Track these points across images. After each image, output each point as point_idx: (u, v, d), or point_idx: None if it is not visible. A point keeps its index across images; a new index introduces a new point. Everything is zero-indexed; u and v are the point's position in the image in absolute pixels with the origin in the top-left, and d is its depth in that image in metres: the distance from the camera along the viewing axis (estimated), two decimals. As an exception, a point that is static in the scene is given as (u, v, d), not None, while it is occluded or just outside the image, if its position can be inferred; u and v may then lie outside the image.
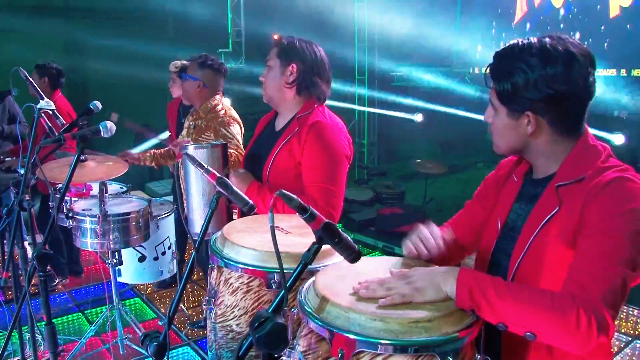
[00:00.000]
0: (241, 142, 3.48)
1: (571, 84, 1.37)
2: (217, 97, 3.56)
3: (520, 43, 1.43)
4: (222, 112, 3.48)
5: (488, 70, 1.48)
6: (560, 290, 1.29)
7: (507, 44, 1.46)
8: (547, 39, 1.40)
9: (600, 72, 6.36)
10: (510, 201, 1.60)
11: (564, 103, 1.39)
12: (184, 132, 3.64)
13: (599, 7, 6.44)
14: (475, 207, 1.77)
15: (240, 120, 3.55)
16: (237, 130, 3.43)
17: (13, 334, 2.41)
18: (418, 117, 9.29)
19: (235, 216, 2.45)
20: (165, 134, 3.86)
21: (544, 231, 1.42)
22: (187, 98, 3.60)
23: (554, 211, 1.41)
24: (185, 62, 4.47)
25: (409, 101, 9.18)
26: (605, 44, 6.42)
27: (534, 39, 1.42)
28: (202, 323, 4.03)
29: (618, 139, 6.02)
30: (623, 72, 6.22)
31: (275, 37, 2.37)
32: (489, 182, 1.75)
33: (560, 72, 1.36)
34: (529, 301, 1.26)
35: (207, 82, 3.50)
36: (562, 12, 6.93)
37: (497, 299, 1.26)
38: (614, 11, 6.32)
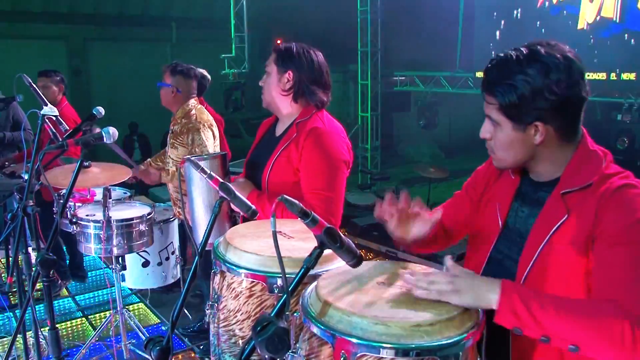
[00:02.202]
0: (214, 145, 3.62)
1: (573, 88, 1.37)
2: (192, 101, 3.70)
3: (512, 54, 1.42)
4: (194, 117, 3.60)
5: (485, 86, 1.46)
6: (599, 301, 1.30)
7: (497, 57, 1.45)
8: (538, 47, 1.40)
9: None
10: (508, 199, 1.58)
11: (569, 107, 1.40)
12: (168, 137, 3.76)
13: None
14: (463, 198, 1.78)
15: (213, 123, 3.69)
16: (207, 136, 3.56)
17: (17, 338, 2.42)
18: (421, 122, 9.31)
19: (239, 222, 2.46)
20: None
21: (553, 239, 1.42)
22: (166, 104, 3.73)
23: (563, 219, 1.40)
24: None
25: (412, 105, 9.19)
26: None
27: (523, 49, 1.41)
28: (196, 328, 4.04)
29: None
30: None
31: (278, 42, 2.38)
32: (480, 174, 1.74)
33: (563, 77, 1.36)
34: (573, 314, 1.25)
35: (179, 87, 3.65)
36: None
37: (541, 312, 1.25)
38: (581, 24, 6.53)
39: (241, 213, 1.98)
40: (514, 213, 1.57)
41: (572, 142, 1.46)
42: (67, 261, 4.90)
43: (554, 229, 1.41)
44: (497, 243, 1.58)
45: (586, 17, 6.69)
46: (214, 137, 3.65)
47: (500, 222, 1.58)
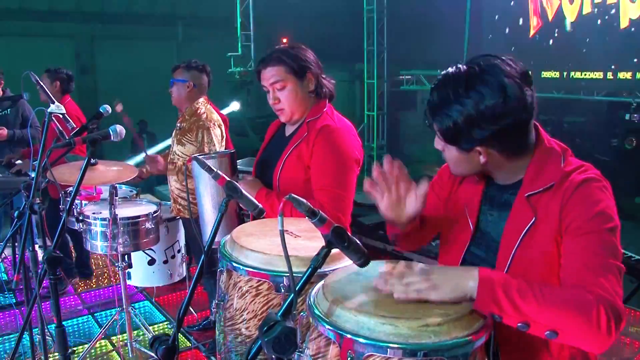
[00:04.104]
0: (222, 143, 3.64)
1: (511, 113, 1.36)
2: (201, 100, 3.71)
3: (451, 76, 1.41)
4: (204, 115, 3.62)
5: (428, 109, 1.47)
6: (575, 287, 1.30)
7: (440, 78, 1.44)
8: (476, 68, 1.38)
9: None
10: (476, 202, 1.60)
11: (510, 131, 1.40)
12: (173, 133, 3.77)
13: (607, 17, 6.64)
14: (430, 196, 1.75)
15: (221, 122, 3.71)
16: (216, 134, 3.58)
17: (24, 336, 2.43)
18: (427, 121, 9.28)
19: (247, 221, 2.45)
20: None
21: (525, 242, 1.44)
22: (178, 102, 3.74)
23: (531, 222, 1.43)
24: None
25: (418, 104, 9.16)
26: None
27: (462, 68, 1.40)
28: (202, 326, 4.04)
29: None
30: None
31: (282, 43, 2.35)
32: (445, 174, 1.74)
33: (498, 104, 1.35)
34: (551, 299, 1.25)
35: (195, 82, 3.68)
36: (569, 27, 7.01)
37: (520, 298, 1.24)
38: (623, 23, 6.45)
39: (250, 212, 1.97)
40: (484, 217, 1.59)
41: (523, 154, 1.47)
42: (74, 259, 4.92)
43: (523, 233, 1.44)
44: (470, 247, 1.60)
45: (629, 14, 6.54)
46: (222, 136, 3.66)
47: (471, 226, 1.59)
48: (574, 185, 1.38)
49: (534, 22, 7.84)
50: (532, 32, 7.95)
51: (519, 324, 1.26)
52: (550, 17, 7.53)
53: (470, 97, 1.36)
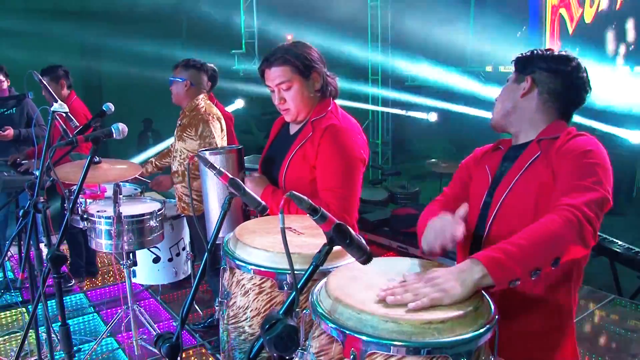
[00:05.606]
0: (222, 138, 3.66)
1: (568, 71, 1.76)
2: (200, 96, 3.74)
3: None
4: (203, 109, 3.65)
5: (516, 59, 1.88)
6: (544, 217, 1.46)
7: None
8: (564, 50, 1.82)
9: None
10: (497, 161, 1.85)
11: (556, 82, 1.76)
12: (175, 131, 3.79)
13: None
14: (462, 174, 1.98)
15: (221, 117, 3.74)
16: (216, 127, 3.60)
17: (29, 334, 2.44)
18: (432, 117, 9.25)
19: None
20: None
21: (525, 174, 1.69)
22: (177, 100, 3.77)
23: (535, 156, 1.70)
24: None
25: (422, 100, 9.13)
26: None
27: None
28: (207, 323, 4.05)
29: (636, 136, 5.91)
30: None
31: (289, 37, 2.33)
32: (468, 162, 1.99)
33: (564, 58, 1.77)
34: (540, 237, 1.40)
35: (193, 80, 3.71)
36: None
37: (521, 254, 1.36)
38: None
39: (252, 209, 1.96)
40: (499, 171, 1.82)
41: (551, 113, 1.78)
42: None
43: (527, 164, 1.70)
44: (486, 197, 1.80)
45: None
46: (222, 129, 3.66)
47: (489, 179, 1.82)
48: (571, 136, 1.68)
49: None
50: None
51: (532, 273, 1.37)
52: (570, 31, 7.46)
53: (555, 52, 1.80)
